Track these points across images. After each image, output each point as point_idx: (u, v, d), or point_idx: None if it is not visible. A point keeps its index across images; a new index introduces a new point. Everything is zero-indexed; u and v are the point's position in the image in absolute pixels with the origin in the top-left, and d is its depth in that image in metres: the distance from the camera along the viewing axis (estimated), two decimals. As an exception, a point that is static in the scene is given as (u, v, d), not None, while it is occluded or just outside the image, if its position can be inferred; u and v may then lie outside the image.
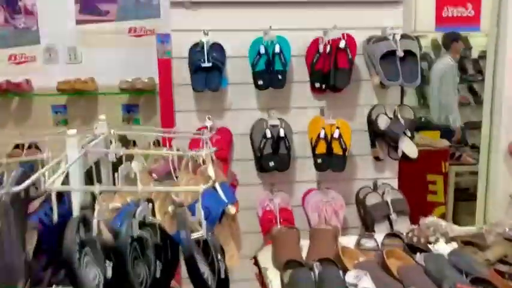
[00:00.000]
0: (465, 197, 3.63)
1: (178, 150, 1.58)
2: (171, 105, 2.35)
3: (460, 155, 3.69)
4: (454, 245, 1.49)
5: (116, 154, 1.23)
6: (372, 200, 2.42)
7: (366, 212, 2.42)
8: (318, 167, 2.35)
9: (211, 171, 1.16)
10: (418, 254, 1.48)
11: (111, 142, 1.53)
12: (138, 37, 2.61)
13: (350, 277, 1.31)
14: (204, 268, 0.82)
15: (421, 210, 3.66)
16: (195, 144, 2.25)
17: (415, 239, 1.64)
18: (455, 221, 3.78)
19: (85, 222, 0.78)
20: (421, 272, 1.36)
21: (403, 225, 2.35)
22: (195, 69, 2.22)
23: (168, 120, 2.35)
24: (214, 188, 1.13)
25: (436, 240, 1.54)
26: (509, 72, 2.60)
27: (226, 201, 1.12)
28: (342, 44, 2.25)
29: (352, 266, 1.41)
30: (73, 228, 0.72)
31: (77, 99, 2.63)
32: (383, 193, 2.43)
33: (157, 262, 0.76)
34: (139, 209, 0.82)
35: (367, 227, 2.43)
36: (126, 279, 0.72)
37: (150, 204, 0.90)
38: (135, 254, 0.78)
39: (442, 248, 1.49)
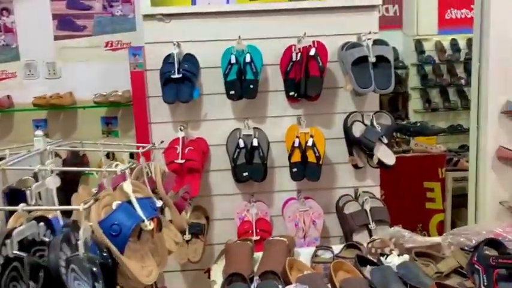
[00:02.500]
0: (465, 204, 3.51)
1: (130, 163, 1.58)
2: (145, 117, 2.37)
3: (458, 160, 3.58)
4: (407, 257, 1.44)
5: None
6: (350, 208, 2.37)
7: (344, 220, 2.37)
8: (293, 176, 2.32)
9: (127, 186, 1.15)
10: (368, 266, 1.43)
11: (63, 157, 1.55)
12: (114, 50, 2.65)
13: (288, 291, 1.28)
14: (83, 284, 0.82)
15: (420, 218, 3.61)
16: (168, 155, 2.28)
17: (373, 250, 1.59)
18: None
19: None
20: (364, 285, 1.32)
21: (382, 235, 2.30)
22: (165, 80, 2.24)
23: (142, 132, 2.37)
24: (130, 203, 1.12)
25: (390, 252, 1.48)
26: (494, 76, 2.51)
27: (142, 217, 1.11)
28: (312, 52, 2.22)
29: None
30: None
31: (57, 114, 2.69)
32: (363, 202, 2.38)
33: (31, 282, 0.75)
34: (19, 228, 0.83)
35: (347, 237, 2.38)
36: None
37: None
38: (13, 274, 0.78)
39: (394, 260, 1.44)
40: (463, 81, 4.95)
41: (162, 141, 1.79)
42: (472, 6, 4.90)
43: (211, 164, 2.49)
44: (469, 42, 4.97)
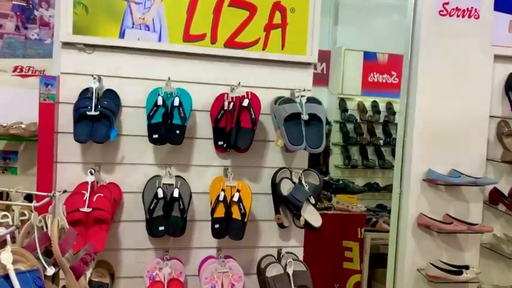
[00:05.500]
0: (383, 264, 3.52)
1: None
2: (51, 155, 2.07)
3: (376, 221, 3.62)
4: None
5: None
6: (272, 271, 2.22)
7: (266, 284, 2.20)
8: (215, 233, 2.13)
9: (6, 257, 0.91)
10: None
11: None
12: (24, 77, 2.33)
13: None
14: None
15: (337, 278, 3.56)
16: (72, 202, 1.98)
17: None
18: (371, 290, 3.66)
19: None
20: None
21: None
22: (79, 116, 1.98)
23: (45, 173, 2.05)
24: (8, 278, 0.87)
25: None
26: (417, 146, 2.58)
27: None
28: (245, 103, 2.12)
29: None
30: None
31: None
32: (286, 264, 2.24)
33: None
34: None
35: (267, 302, 2.21)
36: None
37: None
38: None
39: None
40: (381, 142, 5.18)
41: (64, 191, 1.52)
42: (392, 72, 5.35)
43: (122, 214, 2.22)
44: (389, 105, 5.27)
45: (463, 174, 2.53)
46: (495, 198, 2.67)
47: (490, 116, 2.67)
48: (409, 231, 2.60)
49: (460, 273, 2.51)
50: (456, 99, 2.62)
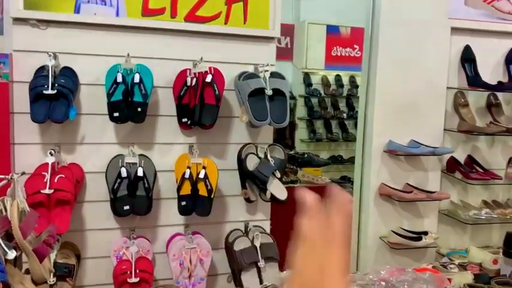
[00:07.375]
0: (346, 234, 3.65)
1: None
2: (7, 137, 1.99)
3: (340, 193, 3.71)
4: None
5: None
6: (240, 245, 2.26)
7: (234, 258, 2.24)
8: (182, 210, 2.14)
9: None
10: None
11: None
12: (-27, 55, 2.22)
13: None
14: None
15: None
16: (32, 184, 1.93)
17: (265, 298, 1.47)
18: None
19: None
20: None
21: (271, 273, 2.22)
22: (36, 96, 1.91)
23: (2, 154, 1.98)
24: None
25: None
26: (377, 119, 2.64)
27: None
28: (209, 79, 2.09)
29: None
30: None
31: None
32: (253, 237, 2.28)
33: None
34: None
35: (235, 275, 2.26)
36: None
37: None
38: None
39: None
40: (344, 115, 5.26)
41: (23, 173, 1.47)
42: (355, 46, 5.39)
43: (86, 194, 2.18)
44: (352, 79, 5.33)
45: (422, 144, 2.62)
46: (452, 166, 2.78)
47: (447, 88, 2.75)
48: (371, 201, 2.68)
49: (420, 239, 2.62)
50: (415, 72, 2.68)
